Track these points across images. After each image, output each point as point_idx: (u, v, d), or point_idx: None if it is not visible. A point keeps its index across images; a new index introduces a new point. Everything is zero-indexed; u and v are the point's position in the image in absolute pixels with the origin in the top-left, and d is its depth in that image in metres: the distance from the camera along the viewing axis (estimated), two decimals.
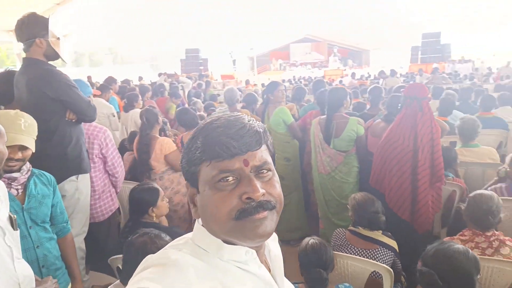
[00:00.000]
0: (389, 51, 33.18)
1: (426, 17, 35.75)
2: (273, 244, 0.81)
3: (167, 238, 1.54)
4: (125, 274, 1.45)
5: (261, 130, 0.70)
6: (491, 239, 1.94)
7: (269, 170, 0.70)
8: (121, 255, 2.03)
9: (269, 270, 0.76)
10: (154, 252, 1.43)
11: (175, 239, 0.78)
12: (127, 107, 4.83)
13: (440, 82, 8.87)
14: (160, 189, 2.21)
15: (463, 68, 15.84)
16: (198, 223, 0.75)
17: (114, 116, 4.49)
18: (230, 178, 0.67)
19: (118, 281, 1.49)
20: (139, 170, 3.22)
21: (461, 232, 2.07)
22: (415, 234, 2.64)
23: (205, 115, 5.34)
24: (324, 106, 3.47)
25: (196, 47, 22.84)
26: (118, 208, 2.96)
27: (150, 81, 14.94)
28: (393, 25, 38.69)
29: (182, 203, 3.31)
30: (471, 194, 2.07)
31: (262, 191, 0.66)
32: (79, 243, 2.28)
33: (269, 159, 0.71)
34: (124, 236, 2.15)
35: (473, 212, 1.97)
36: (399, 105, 2.93)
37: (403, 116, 2.58)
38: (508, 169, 2.59)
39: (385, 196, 2.70)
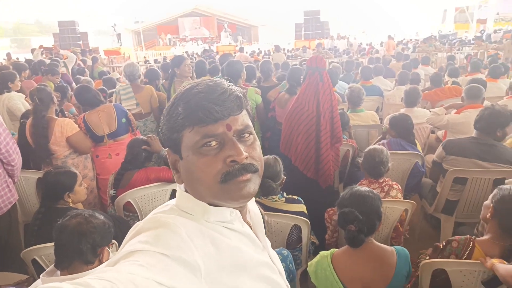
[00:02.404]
0: (275, 27, 34.67)
1: None
2: (251, 204, 0.87)
3: (102, 217, 1.49)
4: (60, 258, 1.37)
5: (241, 94, 0.72)
6: (383, 184, 2.36)
7: (251, 133, 0.73)
8: (37, 246, 1.88)
9: (250, 227, 0.81)
10: (91, 232, 1.40)
11: (158, 207, 0.78)
12: (0, 89, 4.17)
13: (324, 56, 9.75)
14: (78, 173, 2.06)
15: (340, 44, 17.63)
16: (180, 189, 0.77)
17: None
18: (214, 143, 0.68)
19: (52, 266, 1.40)
20: (36, 156, 2.90)
21: (359, 182, 2.45)
22: (320, 190, 3.00)
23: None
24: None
25: (71, 19, 20.39)
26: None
27: (18, 58, 12.89)
28: (276, 1, 40.24)
29: (90, 188, 3.11)
30: (366, 150, 2.45)
31: (245, 154, 0.69)
32: None
33: (250, 123, 0.74)
34: (36, 224, 1.98)
35: (369, 164, 2.36)
36: (301, 77, 3.21)
37: (306, 86, 2.84)
38: (387, 127, 3.11)
39: (293, 160, 2.98)
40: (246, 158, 0.69)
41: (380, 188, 2.35)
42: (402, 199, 2.32)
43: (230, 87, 0.71)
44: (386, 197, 2.30)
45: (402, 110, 3.74)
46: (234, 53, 16.72)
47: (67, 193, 2.01)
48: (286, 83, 3.69)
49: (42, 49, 8.85)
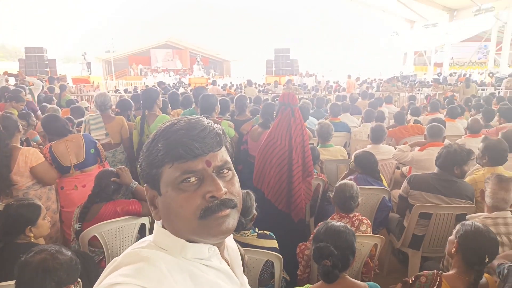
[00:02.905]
0: (247, 62, 35.62)
1: (276, 33, 39.82)
2: (230, 240, 0.88)
3: (69, 253, 1.41)
4: None
5: (220, 131, 0.74)
6: (353, 219, 2.40)
7: (230, 169, 0.75)
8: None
9: (228, 264, 0.82)
10: (57, 269, 1.33)
11: (135, 243, 0.77)
12: None
13: (294, 92, 10.09)
14: (42, 206, 1.96)
15: (309, 80, 18.33)
16: (157, 225, 0.76)
17: None
18: (193, 179, 0.69)
19: None
20: None
21: (331, 216, 2.49)
22: (292, 223, 3.01)
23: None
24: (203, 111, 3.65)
25: (39, 46, 19.97)
26: None
27: None
28: (248, 38, 41.68)
29: (53, 221, 2.96)
30: (337, 184, 2.52)
31: (224, 189, 0.70)
32: None
33: (229, 159, 0.75)
34: None
35: (340, 198, 2.41)
36: (274, 112, 3.30)
37: (279, 120, 2.91)
38: (353, 164, 3.22)
39: (265, 193, 3.00)
40: (225, 193, 0.71)
41: (350, 223, 2.39)
42: (371, 234, 2.37)
43: (210, 124, 0.74)
44: (357, 231, 2.33)
45: (369, 146, 3.90)
46: (207, 85, 16.94)
47: (29, 227, 1.89)
48: (260, 117, 3.77)
49: (7, 75, 8.55)
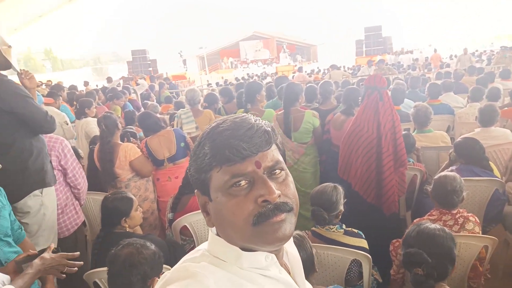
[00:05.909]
0: (335, 45, 34.38)
1: (367, 11, 37.51)
2: (289, 245, 0.80)
3: (152, 246, 1.48)
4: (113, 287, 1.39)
5: (269, 129, 0.68)
6: (457, 216, 2.08)
7: (282, 169, 0.69)
8: (98, 269, 1.94)
9: (289, 272, 0.75)
10: (141, 263, 1.39)
11: (190, 252, 0.75)
12: (78, 114, 4.57)
13: (387, 73, 9.35)
14: (134, 198, 2.12)
15: (405, 58, 16.85)
16: (212, 233, 0.73)
17: (67, 124, 4.22)
18: (243, 182, 0.65)
19: None
20: (102, 179, 3.07)
21: (429, 213, 2.20)
22: (384, 218, 2.77)
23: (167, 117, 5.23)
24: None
25: (143, 48, 22.13)
26: (84, 221, 2.80)
27: (96, 85, 14.20)
28: (335, 20, 40.14)
29: (151, 210, 3.22)
30: (436, 176, 2.21)
31: (277, 192, 0.64)
32: None
33: (281, 158, 0.69)
34: (97, 248, 2.05)
35: (439, 193, 2.11)
36: (360, 97, 3.05)
37: (365, 106, 2.68)
38: (454, 155, 2.80)
39: (352, 184, 2.80)
40: (279, 196, 0.65)
41: (453, 220, 2.08)
42: (480, 234, 2.03)
43: (257, 121, 0.68)
44: (461, 231, 2.03)
45: (477, 130, 3.37)
46: (293, 72, 16.78)
47: (124, 218, 2.06)
48: (342, 104, 3.52)
49: (122, 80, 9.90)
